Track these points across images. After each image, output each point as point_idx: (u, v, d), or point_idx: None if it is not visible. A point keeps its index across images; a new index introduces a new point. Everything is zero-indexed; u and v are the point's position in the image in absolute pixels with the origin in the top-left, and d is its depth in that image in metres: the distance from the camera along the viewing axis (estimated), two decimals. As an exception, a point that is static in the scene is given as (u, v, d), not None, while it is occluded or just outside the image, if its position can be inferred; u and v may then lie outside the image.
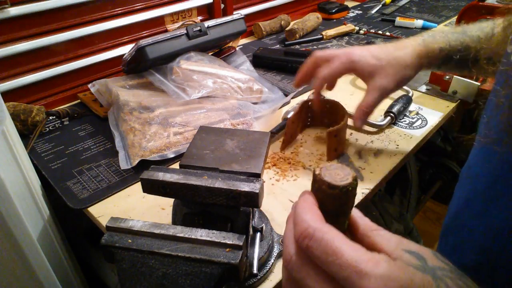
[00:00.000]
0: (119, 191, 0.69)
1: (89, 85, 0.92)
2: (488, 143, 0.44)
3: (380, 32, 1.34)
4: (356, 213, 0.33)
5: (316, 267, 0.29)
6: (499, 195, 0.42)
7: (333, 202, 0.31)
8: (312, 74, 0.71)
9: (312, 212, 0.30)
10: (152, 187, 0.49)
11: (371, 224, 0.32)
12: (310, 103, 0.83)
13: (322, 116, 0.85)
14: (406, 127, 0.86)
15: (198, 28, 0.91)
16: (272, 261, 0.56)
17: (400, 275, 0.26)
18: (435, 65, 0.69)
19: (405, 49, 0.66)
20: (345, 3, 1.63)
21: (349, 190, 0.30)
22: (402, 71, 0.65)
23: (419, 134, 0.84)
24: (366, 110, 0.66)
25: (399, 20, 1.41)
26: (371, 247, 0.30)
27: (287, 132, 0.78)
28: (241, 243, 0.43)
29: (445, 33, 0.69)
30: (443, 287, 0.26)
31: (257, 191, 0.45)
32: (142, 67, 0.89)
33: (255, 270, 0.50)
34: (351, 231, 0.33)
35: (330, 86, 0.71)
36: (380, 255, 0.27)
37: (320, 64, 0.69)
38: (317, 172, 0.31)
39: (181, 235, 0.44)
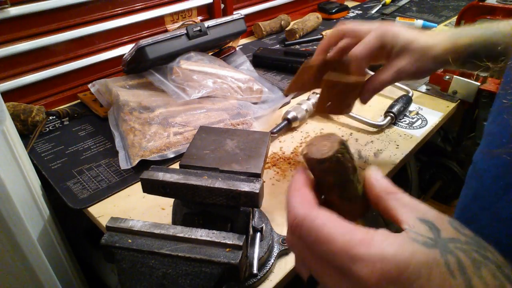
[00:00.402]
0: (119, 191, 0.69)
1: (89, 85, 0.92)
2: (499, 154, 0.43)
3: (380, 32, 1.34)
4: (373, 175, 0.31)
5: (314, 253, 0.28)
6: (508, 186, 0.41)
7: (330, 175, 0.30)
8: (338, 52, 0.64)
9: (301, 196, 0.29)
10: (152, 187, 0.49)
11: (387, 186, 0.30)
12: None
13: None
14: (406, 127, 0.86)
15: (198, 28, 0.91)
16: (272, 261, 0.56)
17: (397, 253, 0.24)
18: (460, 62, 0.63)
19: (436, 40, 0.60)
20: (345, 3, 1.63)
21: (340, 157, 0.28)
22: (428, 62, 0.60)
23: (419, 134, 0.84)
24: (378, 87, 0.61)
25: (399, 20, 1.41)
26: (385, 212, 0.29)
27: (299, 75, 0.65)
28: (241, 243, 0.43)
29: (471, 29, 0.63)
30: (453, 262, 0.24)
31: (257, 191, 0.45)
32: (142, 67, 0.89)
33: (255, 270, 0.50)
34: (366, 195, 0.31)
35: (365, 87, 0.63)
36: (377, 232, 0.26)
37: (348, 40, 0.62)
38: (304, 152, 0.30)
39: (181, 235, 0.44)
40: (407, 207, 0.28)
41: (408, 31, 0.60)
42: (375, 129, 0.84)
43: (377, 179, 0.31)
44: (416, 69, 0.60)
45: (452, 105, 0.93)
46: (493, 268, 0.24)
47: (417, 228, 0.26)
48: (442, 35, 0.62)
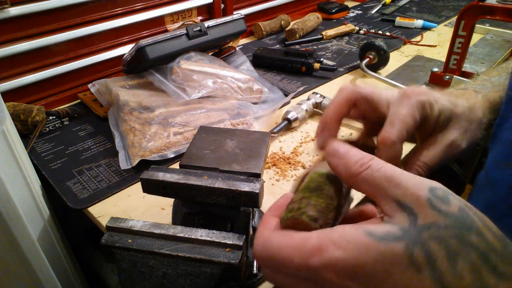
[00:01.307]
0: (119, 191, 0.69)
1: (89, 85, 0.92)
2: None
3: (380, 32, 1.34)
4: (335, 147, 0.29)
5: (284, 274, 0.28)
6: None
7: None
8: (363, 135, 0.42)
9: (263, 224, 0.30)
10: (152, 187, 0.49)
11: (358, 158, 0.27)
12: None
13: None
14: (406, 127, 0.86)
15: (198, 28, 0.91)
16: (272, 261, 0.55)
17: (348, 257, 0.23)
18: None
19: (470, 101, 0.43)
20: (345, 3, 1.63)
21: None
22: (476, 130, 0.42)
23: (419, 134, 0.83)
24: (423, 166, 0.40)
25: (399, 20, 1.41)
26: (363, 192, 0.27)
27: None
28: (241, 243, 0.43)
29: (492, 78, 0.48)
30: (420, 255, 0.22)
31: (257, 191, 0.45)
32: (142, 67, 0.89)
33: (255, 270, 0.50)
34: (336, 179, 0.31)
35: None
36: (331, 233, 0.25)
37: (363, 108, 0.39)
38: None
39: (181, 235, 0.44)
40: (378, 187, 0.25)
41: (441, 96, 0.42)
42: (375, 129, 0.84)
43: (345, 152, 0.29)
44: (468, 142, 0.42)
45: (452, 105, 0.93)
46: (474, 258, 0.22)
47: (395, 218, 0.24)
48: (469, 94, 0.45)
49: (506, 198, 0.38)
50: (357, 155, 0.28)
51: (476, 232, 0.23)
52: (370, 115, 0.39)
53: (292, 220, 0.28)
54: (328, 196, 0.29)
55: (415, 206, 0.24)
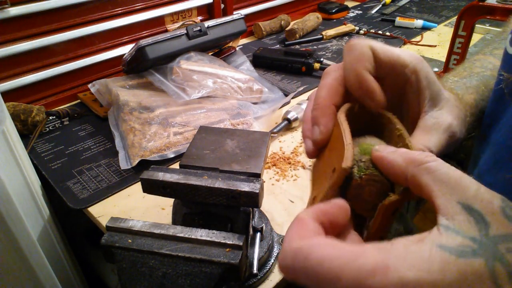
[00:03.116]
0: (119, 191, 0.69)
1: (89, 85, 0.92)
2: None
3: (380, 32, 1.34)
4: (382, 149, 0.26)
5: None
6: None
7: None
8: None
9: (297, 226, 0.24)
10: (152, 187, 0.49)
11: (412, 155, 0.24)
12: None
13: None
14: (406, 127, 0.86)
15: (198, 28, 0.91)
16: (272, 261, 0.56)
17: (421, 278, 0.19)
18: (473, 126, 0.42)
19: (452, 94, 0.38)
20: (345, 3, 1.63)
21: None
22: (463, 118, 0.37)
23: (419, 134, 0.83)
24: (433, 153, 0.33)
25: (399, 20, 1.41)
26: (417, 191, 0.23)
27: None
28: (241, 243, 0.43)
29: (459, 80, 0.43)
30: (503, 273, 0.19)
31: (257, 191, 0.45)
32: (142, 67, 0.89)
33: (255, 270, 0.50)
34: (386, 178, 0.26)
35: None
36: (393, 247, 0.20)
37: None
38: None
39: (181, 235, 0.44)
40: (444, 184, 0.22)
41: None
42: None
43: (393, 151, 0.25)
44: (460, 131, 0.36)
45: (452, 105, 0.93)
46: None
47: (457, 222, 0.20)
48: (450, 90, 0.39)
49: None
50: (416, 151, 0.25)
51: None
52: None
53: (368, 177, 0.25)
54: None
55: (486, 213, 0.21)
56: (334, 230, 0.25)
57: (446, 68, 0.97)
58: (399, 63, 0.32)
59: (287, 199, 0.67)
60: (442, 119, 0.34)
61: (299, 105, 0.85)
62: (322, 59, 1.08)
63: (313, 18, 1.37)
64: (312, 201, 0.29)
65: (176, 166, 0.70)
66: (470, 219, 0.20)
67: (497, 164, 0.36)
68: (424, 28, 1.38)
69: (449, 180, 0.22)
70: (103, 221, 0.62)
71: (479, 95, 0.41)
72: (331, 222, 0.24)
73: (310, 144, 0.32)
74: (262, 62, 1.11)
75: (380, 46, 0.31)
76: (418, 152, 0.24)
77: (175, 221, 0.53)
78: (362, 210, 0.28)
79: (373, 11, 1.56)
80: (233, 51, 1.08)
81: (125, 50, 1.00)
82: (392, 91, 0.33)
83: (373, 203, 0.27)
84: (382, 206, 0.26)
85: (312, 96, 0.33)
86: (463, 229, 0.20)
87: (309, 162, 0.75)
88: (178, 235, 0.44)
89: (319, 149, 0.32)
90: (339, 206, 0.25)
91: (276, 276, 0.55)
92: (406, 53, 0.32)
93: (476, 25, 0.91)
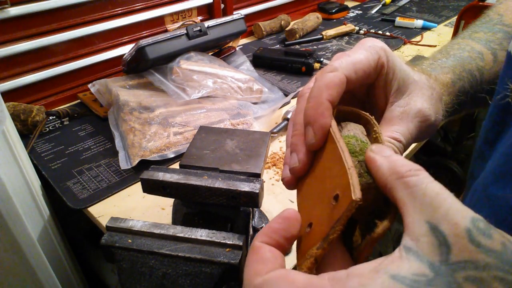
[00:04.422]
0: (119, 191, 0.69)
1: (89, 85, 0.92)
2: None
3: (380, 32, 1.34)
4: (377, 150, 0.24)
5: None
6: None
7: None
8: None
9: (255, 257, 0.24)
10: (152, 187, 0.49)
11: (396, 165, 0.23)
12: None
13: None
14: (406, 127, 0.86)
15: (198, 28, 0.91)
16: (272, 261, 0.55)
17: None
18: (453, 106, 0.40)
19: (425, 74, 0.37)
20: (345, 3, 1.63)
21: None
22: (438, 99, 0.36)
23: (419, 134, 0.83)
24: (400, 143, 0.32)
25: (399, 20, 1.41)
26: (396, 204, 0.22)
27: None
28: (241, 243, 0.43)
29: (433, 62, 0.43)
30: None
31: (257, 191, 0.45)
32: (142, 67, 0.89)
33: (255, 270, 0.50)
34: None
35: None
36: (350, 275, 0.20)
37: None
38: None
39: (181, 235, 0.44)
40: (418, 201, 0.20)
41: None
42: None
43: (386, 156, 0.24)
44: (435, 113, 0.34)
45: (452, 105, 0.93)
46: None
47: (421, 243, 0.19)
48: (422, 70, 0.38)
49: (509, 219, 0.32)
50: (406, 161, 0.23)
51: None
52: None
53: (363, 186, 0.23)
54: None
55: (450, 235, 0.19)
56: (290, 242, 0.25)
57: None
58: (371, 72, 0.31)
59: (287, 199, 0.67)
60: (409, 107, 0.32)
61: (299, 105, 0.85)
62: (322, 59, 1.08)
63: (313, 18, 1.37)
64: (310, 231, 0.26)
65: (176, 166, 0.70)
66: (434, 241, 0.19)
67: (507, 176, 0.34)
68: (424, 28, 1.38)
69: (423, 197, 0.20)
70: (103, 221, 0.62)
71: (456, 75, 0.40)
72: (285, 237, 0.25)
73: (287, 172, 0.30)
74: (262, 62, 1.11)
75: (355, 69, 0.30)
76: (407, 163, 0.22)
77: (175, 221, 0.53)
78: (356, 215, 0.26)
79: (373, 11, 1.56)
80: (233, 51, 1.08)
81: (125, 50, 1.00)
82: (360, 91, 0.34)
83: (368, 210, 0.26)
84: (370, 238, 0.24)
85: (291, 122, 0.31)
86: (424, 253, 0.19)
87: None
88: (178, 235, 0.44)
89: (298, 179, 0.30)
90: (288, 219, 0.25)
91: (276, 276, 0.55)
92: (372, 56, 0.31)
93: (476, 25, 0.91)
